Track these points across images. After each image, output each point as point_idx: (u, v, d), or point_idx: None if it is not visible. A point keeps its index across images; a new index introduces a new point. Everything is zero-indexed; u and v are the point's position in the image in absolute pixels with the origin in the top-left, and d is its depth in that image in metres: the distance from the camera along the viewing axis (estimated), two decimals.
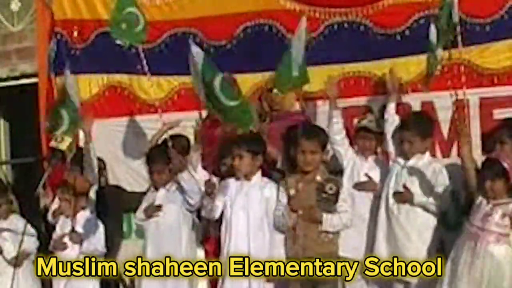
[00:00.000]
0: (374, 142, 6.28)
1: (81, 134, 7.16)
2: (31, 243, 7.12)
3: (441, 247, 5.98)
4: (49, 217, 7.11)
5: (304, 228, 5.79)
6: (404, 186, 5.92)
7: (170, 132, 6.55)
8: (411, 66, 6.50)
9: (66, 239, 6.84)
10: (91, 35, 7.64)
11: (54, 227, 7.07)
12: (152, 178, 6.50)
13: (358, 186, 6.21)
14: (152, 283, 6.34)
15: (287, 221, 5.83)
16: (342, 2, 6.75)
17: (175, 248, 6.35)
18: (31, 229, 7.13)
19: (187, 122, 6.91)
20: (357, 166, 6.26)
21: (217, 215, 6.12)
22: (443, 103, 6.33)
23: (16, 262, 6.83)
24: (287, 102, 6.63)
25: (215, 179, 6.13)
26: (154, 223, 6.44)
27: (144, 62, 6.22)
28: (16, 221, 7.20)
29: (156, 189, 6.50)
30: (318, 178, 5.86)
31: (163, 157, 6.35)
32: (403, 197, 5.91)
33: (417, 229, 5.91)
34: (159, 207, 6.42)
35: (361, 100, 6.66)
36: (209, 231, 6.50)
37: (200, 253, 6.53)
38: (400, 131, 6.05)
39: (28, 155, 8.75)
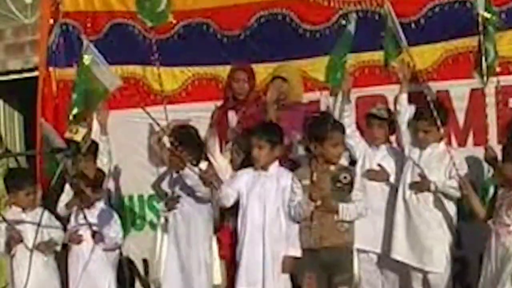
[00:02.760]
0: (384, 130, 6.25)
1: (94, 126, 7.17)
2: (57, 235, 7.04)
3: (457, 237, 5.96)
4: (60, 209, 7.05)
5: (320, 218, 5.80)
6: (420, 175, 5.89)
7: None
8: (426, 55, 6.44)
9: (81, 232, 6.81)
10: (104, 26, 7.62)
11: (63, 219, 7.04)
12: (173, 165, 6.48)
13: (370, 175, 6.18)
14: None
15: (305, 211, 5.82)
16: None
17: (192, 239, 6.36)
18: (56, 222, 7.07)
19: (201, 113, 6.89)
20: (369, 156, 6.25)
21: (228, 203, 6.12)
22: (458, 92, 6.30)
23: (37, 248, 6.75)
24: (294, 91, 6.59)
25: (227, 176, 6.11)
26: (172, 215, 6.46)
27: (155, 53, 6.19)
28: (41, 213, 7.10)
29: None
30: (332, 168, 5.86)
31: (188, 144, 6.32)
32: (421, 185, 5.88)
33: (436, 217, 5.89)
34: (177, 198, 6.42)
35: (376, 90, 6.61)
36: (223, 222, 6.49)
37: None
38: (415, 121, 6.01)
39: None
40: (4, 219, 6.62)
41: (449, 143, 6.21)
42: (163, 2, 6.20)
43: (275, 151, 6.06)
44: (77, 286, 6.74)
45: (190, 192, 6.36)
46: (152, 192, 7.19)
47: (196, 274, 6.38)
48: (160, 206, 6.70)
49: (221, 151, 6.59)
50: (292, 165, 6.25)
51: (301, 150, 6.30)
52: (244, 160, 6.32)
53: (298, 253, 5.91)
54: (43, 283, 6.75)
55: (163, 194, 6.68)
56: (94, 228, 6.73)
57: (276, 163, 6.10)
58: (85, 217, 6.63)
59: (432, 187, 5.85)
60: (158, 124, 6.20)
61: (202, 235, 6.43)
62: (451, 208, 5.93)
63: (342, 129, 5.97)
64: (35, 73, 8.30)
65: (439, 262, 5.86)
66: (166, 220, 6.53)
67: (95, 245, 6.73)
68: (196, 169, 6.17)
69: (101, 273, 6.80)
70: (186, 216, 6.42)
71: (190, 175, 6.16)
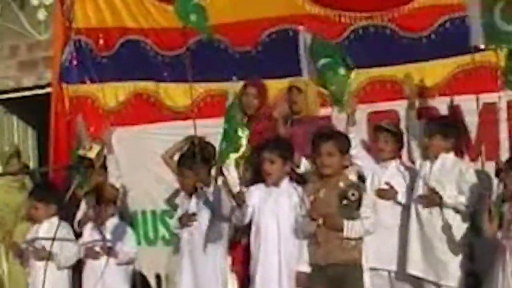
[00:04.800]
0: (391, 144, 6.23)
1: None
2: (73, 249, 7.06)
3: (470, 252, 5.96)
4: (76, 225, 7.10)
5: (325, 235, 5.75)
6: (431, 189, 5.87)
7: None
8: (437, 70, 6.45)
9: (97, 248, 6.83)
10: (116, 43, 7.67)
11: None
12: (182, 184, 6.50)
13: (378, 193, 6.16)
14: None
15: (308, 228, 5.78)
16: (367, 6, 6.71)
17: (209, 256, 6.37)
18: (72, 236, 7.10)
19: (213, 129, 6.91)
20: (378, 174, 6.24)
21: (246, 221, 6.10)
22: (469, 107, 6.30)
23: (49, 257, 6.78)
24: (309, 105, 6.58)
25: (245, 189, 6.12)
26: (187, 231, 6.46)
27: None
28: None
29: (190, 195, 6.50)
30: (341, 184, 5.81)
31: (192, 165, 6.35)
32: (431, 200, 5.87)
33: (450, 231, 5.87)
34: (193, 215, 6.43)
35: (387, 105, 6.62)
36: (236, 238, 6.50)
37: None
38: (424, 134, 6.01)
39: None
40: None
41: (461, 158, 6.19)
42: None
43: (286, 166, 6.05)
44: None
45: (209, 209, 6.38)
46: (165, 207, 7.22)
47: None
48: (173, 222, 6.71)
49: None
50: (299, 180, 6.24)
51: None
52: (254, 176, 6.33)
53: (307, 268, 5.87)
54: None
55: (177, 207, 6.71)
56: (109, 244, 6.76)
57: (287, 178, 6.10)
58: (101, 233, 6.67)
59: (444, 203, 5.83)
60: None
61: (219, 251, 6.43)
62: (464, 221, 5.91)
63: (331, 139, 5.81)
64: (49, 90, 8.36)
65: (454, 276, 5.86)
66: (178, 236, 6.55)
67: (109, 260, 6.75)
68: (228, 174, 6.21)
69: (117, 287, 6.81)
70: (202, 233, 6.40)
71: (212, 193, 6.20)
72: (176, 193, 6.88)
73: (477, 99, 5.81)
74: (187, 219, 6.45)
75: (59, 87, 7.85)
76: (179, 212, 6.58)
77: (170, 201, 6.97)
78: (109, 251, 6.75)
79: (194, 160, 6.38)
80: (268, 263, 5.97)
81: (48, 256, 6.64)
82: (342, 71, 6.04)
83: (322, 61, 6.10)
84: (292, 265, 5.92)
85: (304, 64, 6.33)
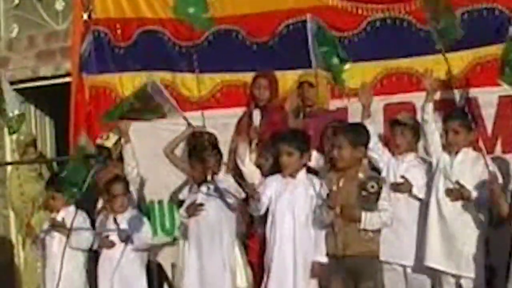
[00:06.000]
0: (407, 137, 6.20)
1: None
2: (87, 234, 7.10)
3: (486, 244, 5.96)
4: (96, 214, 7.13)
5: (343, 226, 5.78)
6: (458, 183, 5.84)
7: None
8: (454, 62, 6.43)
9: (112, 237, 6.86)
10: (134, 33, 7.68)
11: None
12: (193, 174, 6.53)
13: (393, 187, 6.12)
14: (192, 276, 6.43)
15: (325, 218, 5.82)
16: None
17: (215, 246, 6.40)
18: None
19: (230, 120, 6.94)
20: (393, 167, 6.21)
21: (262, 211, 6.13)
22: (487, 99, 6.29)
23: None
24: (320, 98, 6.59)
25: (256, 182, 6.13)
26: (195, 221, 6.49)
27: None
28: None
29: (198, 185, 6.54)
30: (361, 175, 5.84)
31: (202, 154, 6.39)
32: (459, 194, 5.84)
33: (470, 224, 5.86)
34: (200, 205, 6.46)
35: (404, 97, 6.62)
36: (253, 228, 6.52)
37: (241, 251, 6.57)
38: (445, 122, 5.97)
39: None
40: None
41: (480, 150, 6.18)
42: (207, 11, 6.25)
43: (303, 159, 6.07)
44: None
45: (217, 199, 6.41)
46: (182, 197, 7.25)
47: (218, 279, 6.40)
48: (180, 212, 6.73)
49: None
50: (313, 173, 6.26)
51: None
52: (273, 166, 6.35)
53: (324, 259, 5.92)
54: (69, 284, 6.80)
55: (178, 203, 6.74)
56: (123, 233, 6.78)
57: (304, 170, 6.12)
58: (116, 223, 6.70)
59: (472, 196, 5.81)
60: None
61: (226, 241, 6.45)
62: (483, 215, 5.91)
63: (342, 132, 5.89)
64: (66, 79, 8.39)
65: (474, 268, 5.84)
66: (185, 226, 6.60)
67: (126, 248, 6.78)
68: (243, 167, 6.31)
69: (134, 276, 6.84)
70: (210, 223, 6.44)
71: (222, 180, 6.24)
72: (180, 188, 6.91)
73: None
74: (194, 209, 6.48)
75: (79, 77, 7.87)
76: (187, 202, 6.61)
77: (174, 196, 6.99)
78: (125, 238, 6.77)
79: (203, 151, 6.41)
80: (283, 252, 6.01)
81: (65, 231, 6.65)
82: (335, 61, 6.09)
83: (320, 48, 6.11)
84: (307, 255, 5.96)
85: (312, 54, 6.35)
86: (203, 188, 6.49)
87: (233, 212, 6.46)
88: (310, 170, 6.23)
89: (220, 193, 6.39)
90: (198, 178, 6.52)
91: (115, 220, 6.79)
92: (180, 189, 6.96)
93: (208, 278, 6.41)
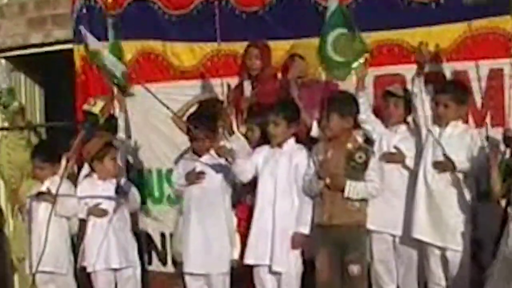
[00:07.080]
0: (400, 109, 6.20)
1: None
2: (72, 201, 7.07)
3: (472, 216, 5.96)
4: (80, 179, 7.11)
5: (330, 196, 5.81)
6: (445, 155, 5.85)
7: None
8: (445, 35, 6.40)
9: (104, 206, 6.80)
10: (124, 1, 7.65)
11: None
12: (194, 144, 6.50)
13: (386, 157, 6.14)
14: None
15: (315, 188, 5.84)
16: None
17: (218, 214, 6.40)
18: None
19: (219, 89, 6.91)
20: (387, 138, 6.21)
21: (245, 179, 6.16)
22: (477, 73, 6.26)
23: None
24: (311, 68, 6.56)
25: (228, 145, 6.12)
26: (200, 189, 6.46)
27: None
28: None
29: (196, 154, 6.49)
30: (349, 145, 5.85)
31: (205, 125, 6.36)
32: (445, 166, 5.85)
33: (457, 197, 5.87)
34: (201, 173, 6.44)
35: (393, 69, 6.59)
36: (241, 197, 6.52)
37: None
38: (436, 95, 5.97)
39: (62, 121, 8.86)
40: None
41: (467, 123, 6.17)
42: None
43: (291, 128, 6.08)
44: (107, 256, 6.76)
45: (217, 168, 6.38)
46: (170, 166, 7.24)
47: (220, 246, 6.40)
48: (173, 178, 6.71)
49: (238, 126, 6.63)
50: (313, 143, 6.24)
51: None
52: (261, 137, 6.34)
53: (306, 230, 5.94)
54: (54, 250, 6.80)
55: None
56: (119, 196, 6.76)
57: (292, 140, 6.13)
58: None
59: (458, 168, 5.82)
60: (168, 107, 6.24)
61: (225, 211, 6.45)
62: (471, 188, 5.92)
63: (337, 103, 5.92)
64: (56, 47, 8.36)
65: (461, 241, 5.85)
66: (179, 194, 6.60)
67: (113, 219, 6.76)
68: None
69: (128, 243, 6.87)
70: (209, 192, 6.42)
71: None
72: (183, 154, 6.89)
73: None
74: (195, 177, 6.46)
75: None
76: (180, 171, 6.58)
77: (177, 161, 6.98)
78: (118, 191, 6.75)
79: (204, 121, 6.38)
80: (262, 221, 6.05)
81: (51, 199, 6.61)
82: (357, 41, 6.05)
83: (339, 30, 6.05)
84: (286, 224, 5.99)
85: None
86: (207, 156, 6.44)
87: (230, 182, 6.45)
88: (312, 140, 6.23)
89: (220, 164, 6.35)
90: (200, 148, 6.47)
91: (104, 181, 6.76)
92: (181, 156, 6.92)
93: (211, 245, 6.39)
